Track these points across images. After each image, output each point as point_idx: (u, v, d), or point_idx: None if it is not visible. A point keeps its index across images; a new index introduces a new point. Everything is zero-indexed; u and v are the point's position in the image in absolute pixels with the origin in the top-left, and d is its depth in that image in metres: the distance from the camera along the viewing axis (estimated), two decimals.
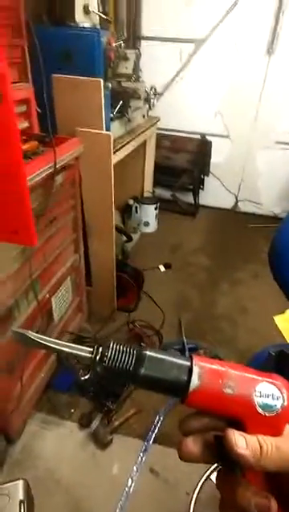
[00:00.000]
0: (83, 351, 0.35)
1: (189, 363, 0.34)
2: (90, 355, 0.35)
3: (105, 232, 1.94)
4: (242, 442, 0.31)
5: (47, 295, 1.58)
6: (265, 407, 0.32)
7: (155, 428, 1.67)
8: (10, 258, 1.16)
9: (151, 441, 1.62)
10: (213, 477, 1.47)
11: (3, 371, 1.31)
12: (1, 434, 1.44)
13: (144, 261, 2.78)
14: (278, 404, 0.32)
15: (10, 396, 1.41)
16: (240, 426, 0.33)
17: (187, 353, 1.94)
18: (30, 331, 0.36)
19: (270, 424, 0.32)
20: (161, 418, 1.71)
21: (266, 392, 0.33)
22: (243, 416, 0.33)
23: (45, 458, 1.54)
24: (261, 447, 0.31)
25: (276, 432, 0.33)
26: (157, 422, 1.69)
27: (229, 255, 3.09)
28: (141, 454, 1.57)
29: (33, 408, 1.67)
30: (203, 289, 2.67)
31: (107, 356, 0.34)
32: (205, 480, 1.47)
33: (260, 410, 0.32)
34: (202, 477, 1.47)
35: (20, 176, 0.63)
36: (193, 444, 0.34)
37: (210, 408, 0.33)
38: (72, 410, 1.72)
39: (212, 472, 1.48)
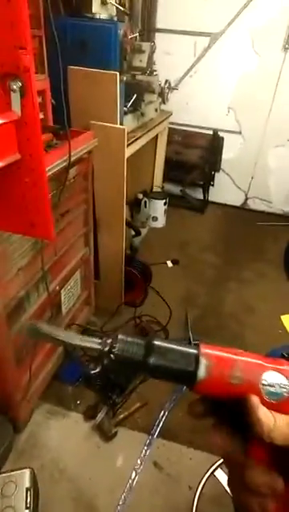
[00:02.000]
0: (93, 342, 0.35)
1: (196, 352, 0.34)
2: (99, 347, 0.35)
3: (116, 226, 1.94)
4: (262, 407, 0.32)
5: (57, 288, 1.59)
6: (271, 394, 0.33)
7: (159, 423, 1.68)
8: (23, 250, 1.17)
9: (155, 435, 1.63)
10: (217, 473, 1.48)
11: (12, 361, 1.32)
12: (9, 423, 1.46)
13: (151, 256, 2.78)
14: (285, 391, 0.33)
15: (19, 385, 1.43)
16: None
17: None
18: (40, 324, 0.36)
19: (276, 409, 0.33)
20: (166, 412, 1.72)
21: (273, 380, 0.33)
22: None
23: (50, 448, 1.56)
24: (274, 419, 0.32)
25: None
26: (162, 416, 1.70)
27: (237, 253, 3.08)
28: (145, 448, 1.58)
29: (39, 399, 1.69)
30: (210, 286, 2.66)
31: (116, 348, 0.34)
32: (209, 476, 1.48)
33: (266, 397, 0.33)
34: (207, 472, 1.49)
35: (41, 168, 0.63)
36: (220, 439, 0.35)
37: (217, 395, 0.34)
38: (78, 402, 1.74)
39: (216, 468, 1.49)
